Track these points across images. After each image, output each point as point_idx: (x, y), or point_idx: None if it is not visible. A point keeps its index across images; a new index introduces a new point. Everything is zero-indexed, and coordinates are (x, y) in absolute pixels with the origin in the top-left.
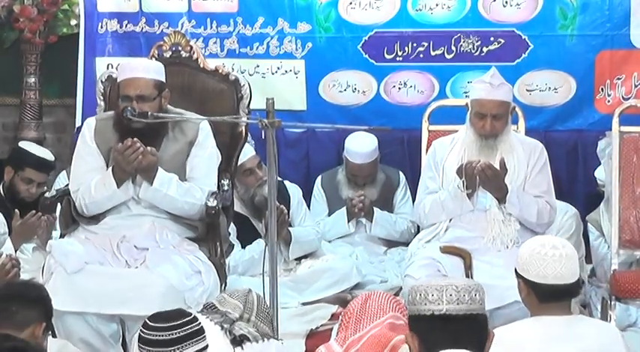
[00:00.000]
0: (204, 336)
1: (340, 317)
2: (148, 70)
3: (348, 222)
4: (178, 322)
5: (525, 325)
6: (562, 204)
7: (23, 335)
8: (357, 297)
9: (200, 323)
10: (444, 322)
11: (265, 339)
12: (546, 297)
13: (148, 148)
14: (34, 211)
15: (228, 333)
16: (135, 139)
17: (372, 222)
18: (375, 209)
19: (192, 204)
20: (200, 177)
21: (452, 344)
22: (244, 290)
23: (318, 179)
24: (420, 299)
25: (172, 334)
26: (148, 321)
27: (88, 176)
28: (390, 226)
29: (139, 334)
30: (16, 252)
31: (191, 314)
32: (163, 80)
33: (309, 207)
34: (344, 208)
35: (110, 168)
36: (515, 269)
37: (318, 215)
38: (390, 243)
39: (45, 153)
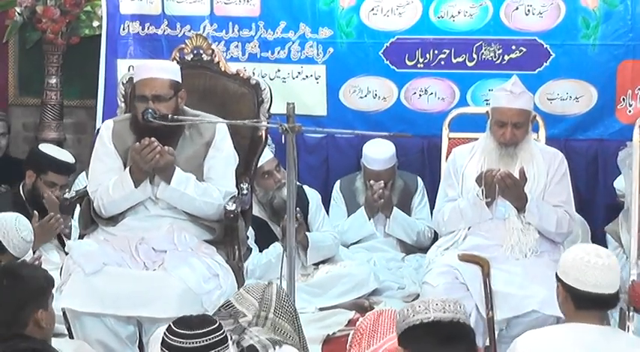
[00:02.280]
0: (228, 345)
1: (351, 334)
2: (163, 70)
3: (369, 219)
4: (203, 330)
5: (559, 330)
6: None
7: (29, 329)
8: (369, 314)
9: (224, 332)
10: (432, 328)
11: (277, 347)
12: (582, 304)
13: (166, 148)
14: (52, 213)
15: (236, 345)
16: (152, 139)
17: (389, 218)
18: (394, 207)
19: (210, 203)
20: (217, 178)
21: (442, 350)
22: (263, 284)
23: (337, 183)
24: (407, 313)
25: (196, 342)
26: (173, 326)
27: (106, 176)
28: (407, 225)
29: (163, 337)
30: (34, 253)
31: (216, 322)
32: (179, 80)
33: (327, 212)
34: (362, 208)
35: (128, 168)
36: (556, 273)
37: (337, 218)
38: (408, 249)
39: (66, 156)
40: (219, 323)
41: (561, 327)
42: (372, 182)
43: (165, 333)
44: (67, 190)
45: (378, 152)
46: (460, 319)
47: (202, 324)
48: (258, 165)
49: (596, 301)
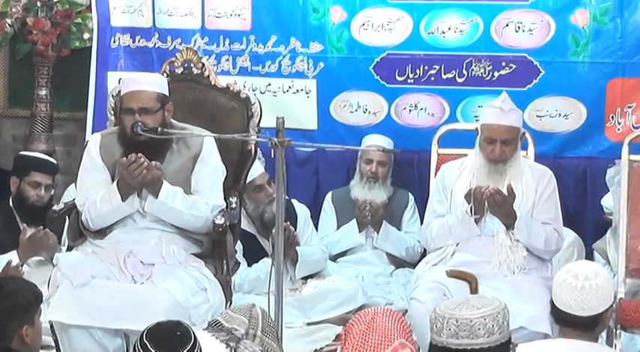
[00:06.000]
0: None
1: (343, 331)
2: (150, 82)
3: (359, 231)
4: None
5: (549, 344)
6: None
7: (14, 344)
8: (362, 313)
9: (199, 348)
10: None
11: None
12: (557, 321)
13: (153, 162)
14: (41, 227)
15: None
16: (139, 154)
17: (379, 233)
18: (383, 222)
19: (198, 217)
20: (205, 191)
21: None
22: (248, 304)
23: (329, 194)
24: (430, 327)
25: None
26: (149, 346)
27: (93, 190)
28: (397, 239)
29: (135, 351)
30: (22, 265)
31: (191, 338)
32: (166, 93)
33: (316, 227)
34: (354, 220)
35: (115, 182)
36: None
37: (326, 229)
38: (397, 262)
39: (46, 157)
40: (194, 342)
41: (552, 341)
42: (360, 196)
43: (139, 350)
44: (52, 192)
45: (376, 135)
46: (475, 345)
47: (178, 345)
48: (250, 179)
49: (568, 321)
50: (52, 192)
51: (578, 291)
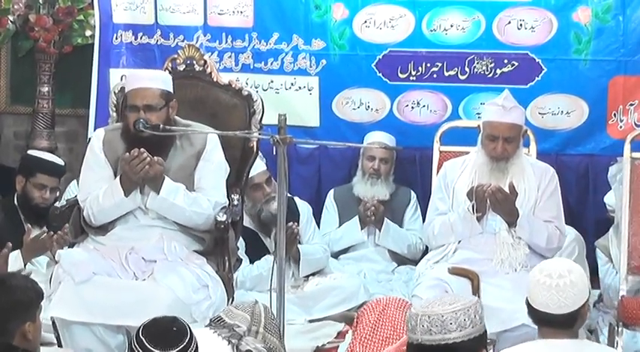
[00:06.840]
0: None
1: (355, 319)
2: (155, 80)
3: (361, 228)
4: (178, 348)
5: (533, 346)
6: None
7: (16, 340)
8: (374, 302)
9: (196, 341)
10: (418, 351)
11: None
12: (536, 321)
13: (155, 158)
14: (45, 229)
15: (235, 349)
16: (142, 149)
17: (380, 230)
18: (385, 219)
19: (200, 213)
20: (208, 188)
21: None
22: (251, 301)
23: (331, 192)
24: (406, 326)
25: None
26: (144, 341)
27: (96, 185)
28: (398, 236)
29: (132, 347)
30: (25, 265)
31: (187, 334)
32: (171, 90)
33: (318, 224)
34: (356, 217)
35: (118, 177)
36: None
37: (328, 226)
38: (399, 259)
39: (54, 158)
40: (190, 337)
41: (535, 343)
42: (363, 193)
43: (136, 346)
44: (57, 193)
45: (379, 132)
46: (449, 340)
47: (175, 340)
48: (249, 177)
49: (546, 320)
50: (57, 194)
51: (553, 290)
